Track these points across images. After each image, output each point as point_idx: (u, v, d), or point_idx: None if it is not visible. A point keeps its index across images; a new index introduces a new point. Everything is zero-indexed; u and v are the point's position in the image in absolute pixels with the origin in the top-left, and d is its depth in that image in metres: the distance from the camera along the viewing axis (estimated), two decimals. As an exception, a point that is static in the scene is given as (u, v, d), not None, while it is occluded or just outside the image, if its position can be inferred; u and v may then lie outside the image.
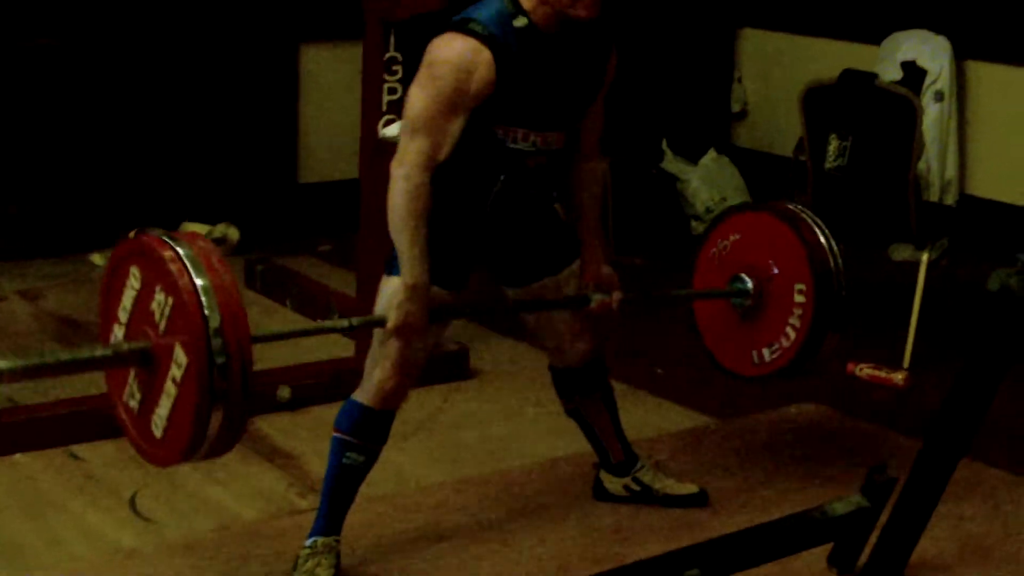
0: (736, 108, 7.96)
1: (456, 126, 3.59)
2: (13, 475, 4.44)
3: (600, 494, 4.30)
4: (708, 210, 7.19)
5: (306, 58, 7.13)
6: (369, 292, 4.45)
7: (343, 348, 5.28)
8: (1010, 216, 6.76)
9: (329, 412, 4.61)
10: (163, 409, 3.26)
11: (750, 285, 4.18)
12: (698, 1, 7.82)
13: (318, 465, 4.40)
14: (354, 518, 3.90)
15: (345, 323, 3.78)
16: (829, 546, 3.79)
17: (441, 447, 4.72)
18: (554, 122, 3.73)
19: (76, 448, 4.58)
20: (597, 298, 3.94)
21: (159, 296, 3.22)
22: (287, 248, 6.73)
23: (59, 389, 4.78)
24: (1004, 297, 3.59)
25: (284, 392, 4.89)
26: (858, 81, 5.70)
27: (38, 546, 4.04)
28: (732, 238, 4.25)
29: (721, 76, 7.94)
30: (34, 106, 6.51)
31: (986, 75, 6.93)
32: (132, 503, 4.27)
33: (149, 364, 3.28)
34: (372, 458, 3.85)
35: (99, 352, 3.34)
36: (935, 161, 6.78)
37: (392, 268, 3.67)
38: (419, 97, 3.59)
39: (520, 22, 3.61)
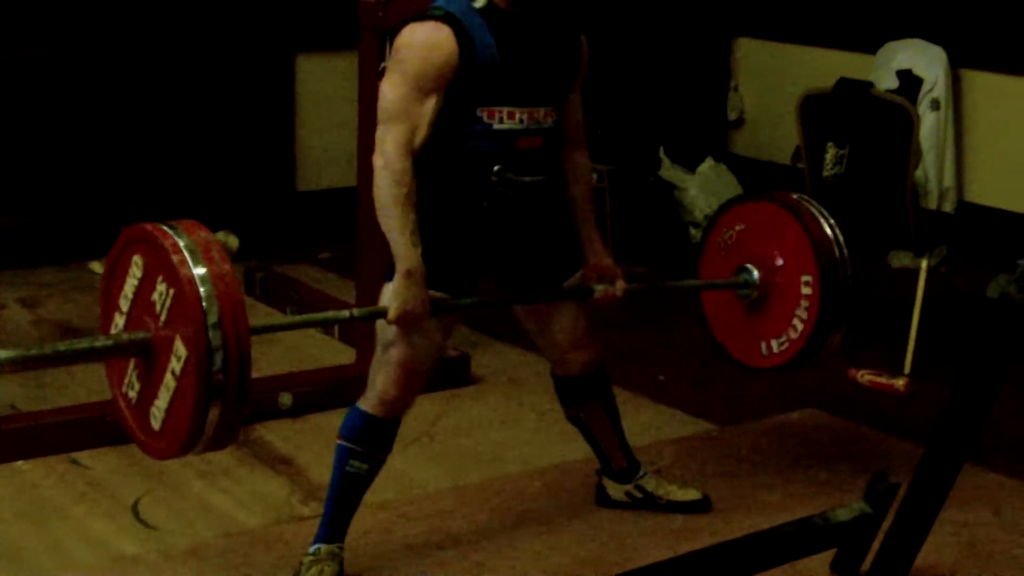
0: (733, 116, 7.97)
1: (429, 107, 3.59)
2: (15, 482, 4.43)
3: (603, 501, 4.30)
4: (706, 217, 7.19)
5: (302, 67, 7.14)
6: (368, 299, 4.46)
7: (344, 355, 5.29)
8: (1008, 223, 6.78)
9: (330, 419, 4.64)
10: (162, 401, 3.25)
11: (756, 276, 4.18)
12: (694, 10, 7.84)
13: (320, 472, 4.41)
14: (355, 524, 3.90)
15: (346, 314, 3.76)
16: (832, 552, 3.79)
17: (443, 454, 4.72)
18: (534, 95, 3.71)
19: (78, 455, 4.58)
20: (600, 289, 3.93)
21: (160, 287, 3.21)
22: (286, 256, 6.75)
23: (61, 396, 4.78)
24: (1003, 303, 3.60)
25: (285, 399, 4.90)
26: (854, 90, 5.73)
27: (40, 553, 4.04)
28: (738, 227, 4.25)
29: (717, 85, 7.95)
30: (33, 115, 6.52)
31: (981, 84, 6.94)
32: (135, 510, 4.27)
33: (148, 355, 3.27)
34: (376, 466, 3.85)
35: (99, 343, 3.32)
36: (932, 169, 6.79)
37: (391, 274, 3.67)
38: (388, 86, 3.62)
39: (480, 3, 3.64)
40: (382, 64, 4.84)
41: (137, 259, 3.29)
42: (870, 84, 6.11)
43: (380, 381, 3.78)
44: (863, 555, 3.77)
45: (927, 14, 7.04)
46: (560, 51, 3.79)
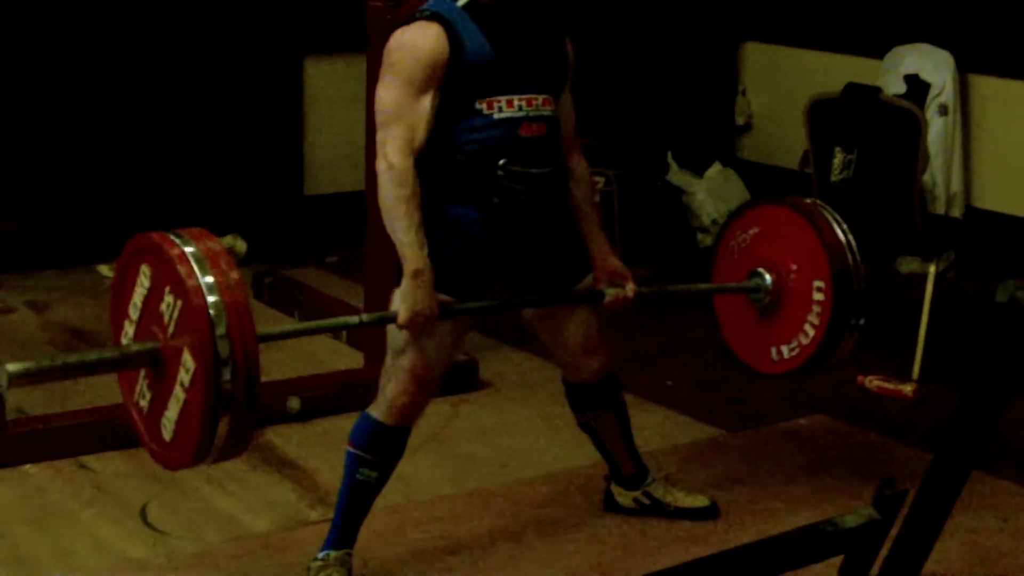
0: (740, 121, 7.97)
1: (425, 105, 3.61)
2: (23, 486, 4.44)
3: (611, 506, 4.30)
4: (714, 222, 7.20)
5: (310, 71, 7.15)
6: (376, 302, 4.47)
7: (352, 359, 5.30)
8: (1017, 228, 6.78)
9: (338, 423, 4.65)
10: (172, 412, 3.27)
11: (769, 281, 4.18)
12: (702, 15, 7.84)
13: (328, 476, 4.42)
14: (363, 529, 3.89)
15: (355, 320, 3.76)
16: (840, 558, 3.79)
17: (451, 459, 4.72)
18: (530, 83, 3.72)
19: (86, 459, 4.58)
20: (611, 292, 3.93)
21: (168, 298, 3.22)
22: (294, 260, 6.75)
23: (69, 400, 4.78)
24: (1012, 309, 3.59)
25: (294, 403, 4.90)
26: (862, 94, 5.71)
27: (47, 557, 4.04)
28: (752, 231, 4.25)
29: (725, 89, 7.95)
30: (41, 118, 6.52)
31: (989, 89, 6.94)
32: (142, 514, 4.28)
33: (158, 365, 3.28)
34: (386, 474, 3.84)
35: (107, 354, 3.34)
36: (940, 174, 6.79)
37: (400, 279, 3.67)
38: (383, 89, 3.65)
39: (462, 1, 3.68)
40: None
41: (145, 269, 3.29)
42: (878, 89, 6.09)
43: (391, 388, 3.78)
44: (871, 562, 3.76)
45: (935, 19, 7.04)
46: (547, 43, 3.80)
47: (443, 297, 3.65)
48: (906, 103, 5.75)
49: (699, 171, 7.52)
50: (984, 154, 6.97)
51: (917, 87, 6.84)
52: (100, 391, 4.75)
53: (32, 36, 6.42)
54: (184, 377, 3.20)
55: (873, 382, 5.37)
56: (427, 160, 3.64)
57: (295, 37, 7.02)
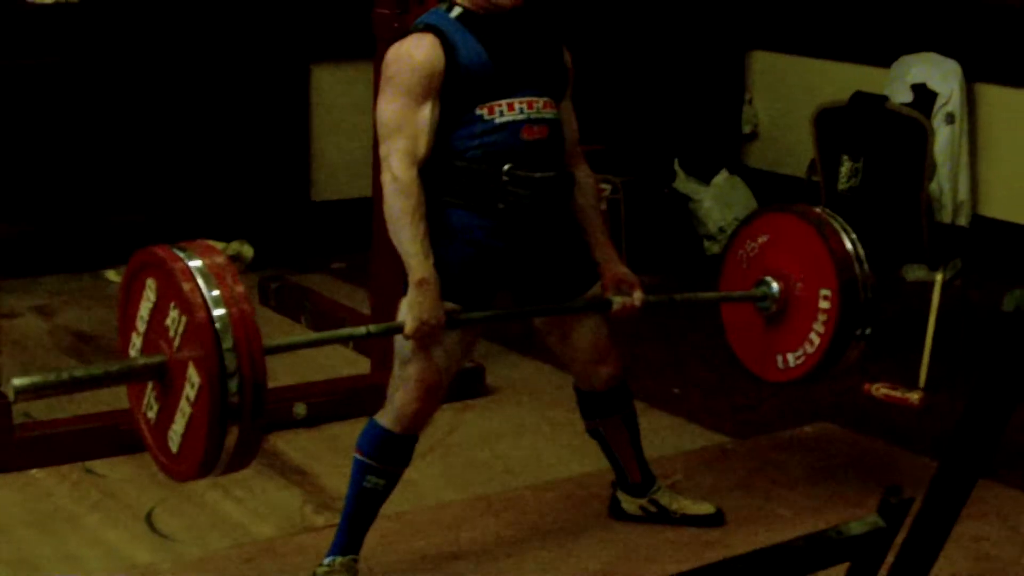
0: (747, 129, 7.97)
1: (426, 114, 3.62)
2: (29, 490, 4.45)
3: (616, 513, 4.30)
4: (720, 230, 7.20)
5: (317, 78, 7.16)
6: (383, 309, 4.47)
7: (359, 365, 5.30)
8: (1023, 237, 6.77)
9: (345, 429, 4.65)
10: (178, 426, 3.27)
11: (776, 289, 4.18)
12: (710, 23, 7.84)
13: (334, 482, 4.42)
14: (369, 535, 3.90)
15: (362, 330, 3.77)
16: (845, 566, 3.78)
17: (457, 465, 4.72)
18: (528, 86, 3.73)
19: (93, 464, 4.59)
20: (619, 300, 3.93)
21: (173, 313, 3.23)
22: (301, 266, 6.76)
23: (76, 404, 4.79)
24: (1018, 317, 3.60)
25: (300, 409, 4.90)
26: (869, 103, 5.72)
27: (54, 561, 4.04)
28: (760, 240, 4.25)
29: (732, 97, 7.95)
30: (50, 122, 6.53)
31: (996, 98, 6.94)
32: (148, 519, 4.28)
33: (164, 378, 3.29)
34: (393, 481, 3.84)
35: (114, 368, 3.34)
36: (947, 183, 6.79)
37: (407, 288, 3.67)
38: (383, 102, 3.67)
39: (456, 12, 3.70)
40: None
41: (151, 283, 3.30)
42: (885, 98, 6.09)
43: (399, 397, 3.78)
44: (876, 570, 3.76)
45: (942, 28, 7.04)
46: (543, 49, 3.81)
47: (449, 306, 3.66)
48: (913, 112, 5.75)
49: (706, 179, 7.52)
50: (991, 163, 6.97)
51: (924, 96, 6.84)
52: (106, 396, 4.74)
53: (41, 41, 6.44)
54: (190, 392, 3.21)
55: (879, 390, 5.36)
56: (430, 169, 3.65)
57: (303, 44, 7.03)
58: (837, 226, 4.17)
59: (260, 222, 6.95)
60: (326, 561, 3.83)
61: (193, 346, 3.18)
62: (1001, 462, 4.47)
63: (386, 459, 3.81)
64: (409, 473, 3.94)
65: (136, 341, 3.37)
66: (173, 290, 3.22)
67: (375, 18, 4.92)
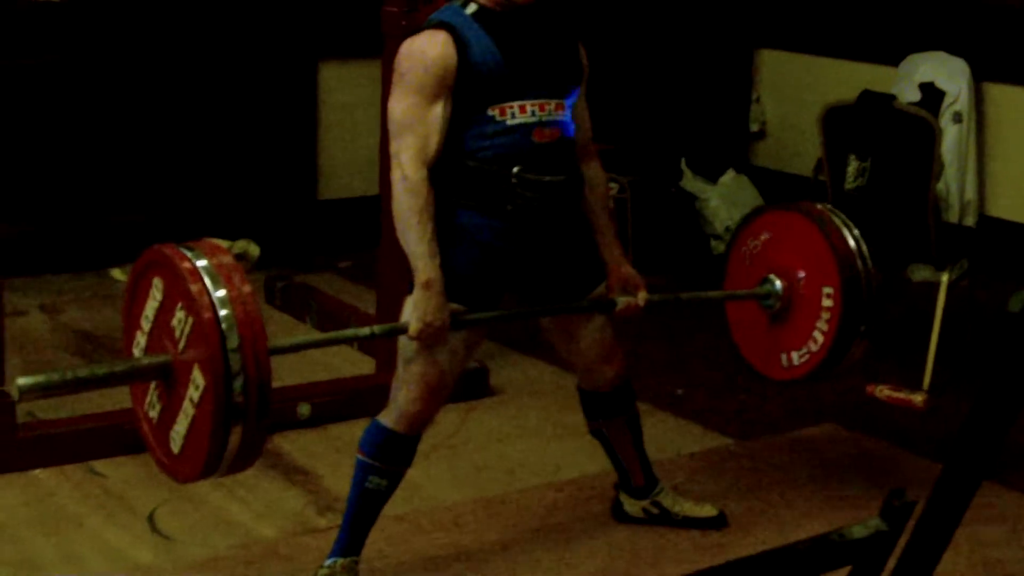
0: (754, 128, 7.96)
1: (437, 113, 3.60)
2: (32, 490, 4.44)
3: (619, 515, 4.29)
4: (727, 229, 7.19)
5: (325, 75, 7.15)
6: (389, 308, 4.47)
7: (363, 365, 5.29)
8: (1030, 237, 6.77)
9: (349, 429, 4.65)
10: (181, 427, 3.27)
11: (779, 287, 4.17)
12: (716, 22, 7.83)
13: (337, 483, 4.42)
14: (372, 536, 3.89)
15: (367, 331, 3.76)
16: (847, 569, 3.78)
17: (460, 466, 4.72)
18: (541, 88, 3.71)
19: (96, 464, 4.59)
20: (623, 300, 3.92)
21: (179, 313, 3.22)
22: (307, 265, 6.76)
23: (79, 404, 4.79)
24: (1024, 319, 3.58)
25: (304, 409, 4.90)
26: (877, 102, 5.72)
27: (56, 562, 4.04)
28: (763, 237, 4.24)
29: (739, 96, 7.94)
30: (56, 122, 6.54)
31: (1004, 97, 6.93)
32: (151, 520, 4.28)
33: (168, 378, 3.28)
34: (395, 481, 3.84)
35: (118, 368, 3.34)
36: (954, 182, 6.78)
37: (412, 287, 3.66)
38: (395, 99, 3.64)
39: (471, 9, 3.67)
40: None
41: (157, 282, 3.29)
42: (892, 97, 6.09)
43: (402, 397, 3.77)
44: (879, 573, 3.75)
45: (950, 27, 7.03)
46: (559, 48, 3.79)
47: (454, 306, 3.65)
48: (920, 111, 5.75)
49: (713, 178, 7.52)
50: (998, 162, 6.95)
51: (932, 95, 6.83)
52: (110, 395, 4.74)
53: (45, 39, 6.43)
54: (194, 393, 3.20)
55: (883, 391, 5.35)
56: (440, 167, 3.63)
57: (310, 41, 7.03)
58: (839, 222, 4.16)
59: (266, 220, 6.95)
60: (328, 562, 3.83)
61: (198, 347, 3.18)
62: (1005, 464, 4.46)
63: (389, 459, 3.80)
64: (412, 474, 3.94)
65: (140, 340, 3.37)
66: (180, 290, 3.21)
67: (383, 15, 4.92)
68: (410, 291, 3.65)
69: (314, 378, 5.15)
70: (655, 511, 4.25)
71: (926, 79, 6.89)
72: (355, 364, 5.35)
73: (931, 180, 5.57)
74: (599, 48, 3.98)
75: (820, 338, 4.12)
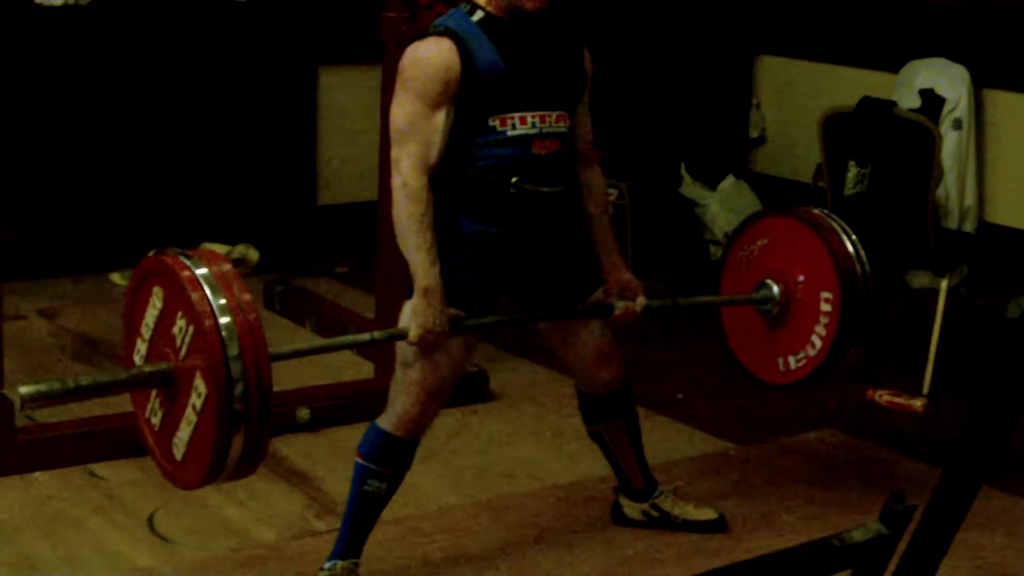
0: (754, 134, 7.96)
1: (439, 121, 3.60)
2: (32, 493, 4.44)
3: (619, 519, 4.29)
4: (726, 235, 7.18)
5: (325, 81, 7.16)
6: (388, 313, 4.47)
7: (363, 369, 5.29)
8: (1030, 244, 6.78)
9: (348, 433, 4.65)
10: (183, 434, 3.27)
11: (777, 292, 4.17)
12: (717, 28, 7.84)
13: (336, 486, 4.41)
14: (371, 540, 3.89)
15: (367, 337, 3.77)
16: (847, 573, 3.77)
17: (459, 470, 4.72)
18: (543, 99, 3.71)
19: (95, 467, 4.59)
20: (621, 305, 3.92)
21: (180, 322, 3.23)
22: (306, 269, 6.76)
23: (79, 407, 4.77)
24: (1023, 324, 3.58)
25: (303, 413, 4.90)
26: (877, 109, 5.70)
27: (56, 565, 4.04)
28: (760, 243, 4.24)
29: (739, 102, 7.94)
30: (56, 126, 6.54)
31: (1004, 103, 6.93)
32: (150, 523, 4.28)
33: (170, 386, 3.28)
34: (394, 485, 3.84)
35: (120, 376, 3.34)
36: (954, 189, 6.78)
37: (411, 292, 3.66)
38: (397, 105, 3.64)
39: (478, 16, 3.67)
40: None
41: (158, 291, 3.29)
42: (892, 103, 6.07)
43: (400, 401, 3.77)
44: (879, 577, 3.76)
45: (950, 33, 7.03)
46: (563, 57, 3.79)
47: (453, 311, 3.65)
48: (920, 117, 5.74)
49: (712, 184, 7.52)
50: (998, 169, 6.96)
51: (932, 101, 6.83)
52: (108, 399, 4.72)
53: (48, 44, 6.43)
54: (196, 401, 3.21)
55: (883, 397, 5.36)
56: (441, 174, 3.64)
57: (310, 47, 7.03)
58: (837, 227, 4.17)
59: (266, 225, 6.95)
60: (327, 565, 3.83)
61: (200, 355, 3.18)
62: (1004, 469, 4.46)
63: (387, 463, 3.80)
64: (411, 477, 3.94)
65: (141, 348, 3.37)
66: (180, 299, 3.22)
67: (383, 22, 4.92)
68: (409, 296, 3.66)
69: (313, 382, 5.14)
70: (655, 514, 4.25)
71: (926, 85, 6.89)
72: (354, 368, 5.35)
73: (931, 186, 5.56)
74: (600, 53, 3.97)
75: (818, 343, 4.13)
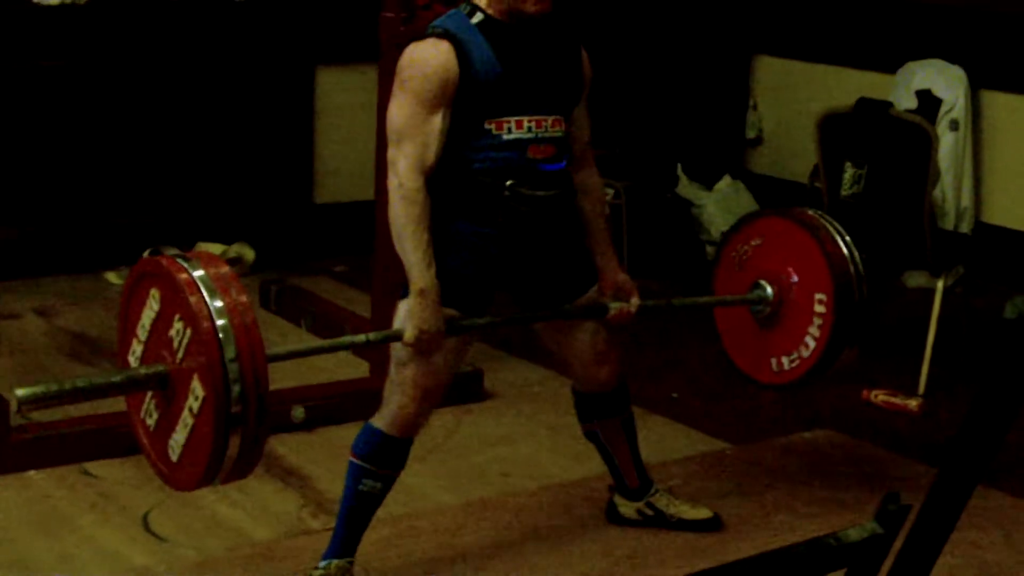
0: (751, 134, 7.96)
1: (437, 123, 3.60)
2: (27, 492, 4.44)
3: (613, 518, 4.29)
4: (723, 235, 7.19)
5: (322, 80, 7.15)
6: (384, 313, 4.45)
7: (358, 368, 5.29)
8: (1025, 244, 6.78)
9: (343, 432, 4.64)
10: (180, 436, 3.27)
11: (770, 292, 4.17)
12: (714, 28, 7.83)
13: (331, 485, 4.41)
14: (366, 539, 3.89)
15: (362, 338, 3.77)
16: (842, 572, 3.77)
17: (454, 469, 4.71)
18: (540, 104, 3.71)
19: (90, 466, 4.58)
20: (615, 306, 3.93)
21: (177, 325, 3.22)
22: (302, 268, 6.76)
23: (73, 406, 4.77)
24: (1019, 324, 3.58)
25: (298, 412, 4.89)
26: (873, 109, 5.70)
27: (50, 563, 4.03)
28: (754, 243, 4.24)
29: (736, 103, 7.94)
30: (52, 125, 6.53)
31: (1001, 104, 6.93)
32: (145, 522, 4.27)
33: (166, 388, 3.28)
34: (389, 484, 3.84)
35: (116, 378, 3.33)
36: (950, 189, 6.78)
37: (406, 291, 3.66)
38: (394, 107, 3.64)
39: (477, 18, 3.66)
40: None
41: (155, 292, 3.29)
42: (889, 104, 6.07)
43: (395, 400, 3.77)
44: (874, 576, 3.75)
45: (947, 34, 7.03)
46: (561, 60, 3.78)
47: (448, 311, 3.65)
48: (917, 118, 5.73)
49: (709, 184, 7.52)
50: (995, 170, 6.96)
51: (929, 102, 6.83)
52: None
53: (46, 43, 6.43)
54: (193, 404, 3.20)
55: (879, 397, 5.35)
56: (437, 175, 3.63)
57: (307, 46, 7.03)
58: (831, 228, 4.16)
59: (262, 224, 6.95)
60: (322, 564, 3.82)
61: (197, 358, 3.17)
62: (999, 468, 4.46)
63: (381, 462, 3.80)
64: (407, 477, 3.94)
65: (137, 349, 3.36)
66: (177, 301, 3.21)
67: (380, 21, 4.91)
68: (403, 296, 3.66)
69: (308, 381, 5.14)
70: (650, 513, 4.25)
71: (923, 86, 6.89)
72: (349, 367, 5.34)
73: (927, 187, 5.55)
74: (596, 53, 3.97)
75: (812, 344, 4.13)
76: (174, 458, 3.31)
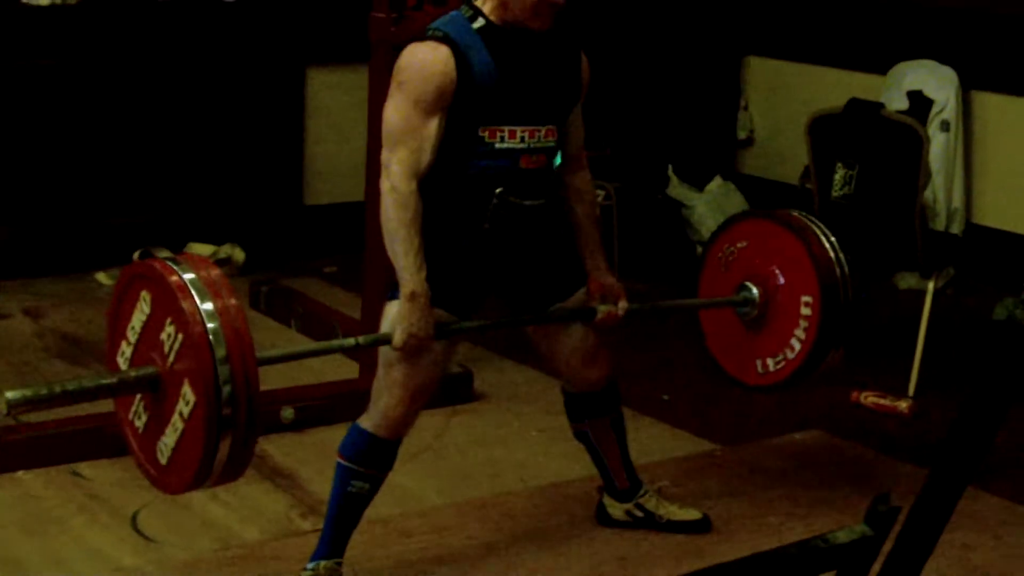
0: (742, 135, 7.96)
1: (432, 128, 3.59)
2: (15, 492, 4.43)
3: (603, 519, 4.29)
4: (713, 237, 7.19)
5: (313, 81, 7.15)
6: (374, 314, 4.44)
7: (347, 369, 5.28)
8: (1016, 245, 6.77)
9: (333, 433, 4.63)
10: (169, 439, 3.25)
11: (756, 294, 4.17)
12: (705, 29, 7.84)
13: (320, 486, 4.40)
14: (355, 540, 3.88)
15: (352, 342, 3.76)
16: (832, 574, 3.77)
17: (444, 470, 4.71)
18: (535, 114, 3.70)
19: (79, 466, 4.57)
20: (603, 309, 3.93)
21: (168, 328, 3.21)
22: (292, 269, 6.75)
23: (63, 407, 4.76)
24: (1010, 326, 3.58)
25: (288, 413, 4.89)
26: (864, 110, 5.70)
27: (39, 564, 4.02)
28: (740, 244, 4.24)
29: (727, 104, 7.95)
30: (43, 125, 6.52)
31: (992, 105, 6.94)
32: (134, 522, 4.26)
33: (156, 391, 3.27)
34: (377, 485, 3.83)
35: (106, 380, 3.32)
36: (941, 190, 6.78)
37: (394, 293, 3.65)
38: (391, 108, 3.62)
39: (479, 24, 3.65)
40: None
41: (145, 295, 3.28)
42: (880, 105, 6.07)
43: (383, 401, 3.76)
44: (863, 578, 3.75)
45: (938, 35, 7.03)
46: (560, 69, 3.78)
47: (438, 312, 3.64)
48: (908, 119, 5.73)
49: (700, 185, 7.52)
50: (985, 171, 6.96)
51: (920, 103, 6.83)
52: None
53: (35, 43, 6.42)
54: (184, 408, 3.19)
55: (868, 398, 5.35)
56: (428, 179, 3.63)
57: (298, 47, 7.02)
58: (818, 230, 4.16)
59: (252, 225, 6.94)
60: (310, 565, 3.82)
61: (188, 360, 3.17)
62: (988, 470, 4.46)
63: (369, 463, 3.79)
64: (396, 477, 3.93)
65: (126, 351, 3.35)
66: (169, 304, 3.20)
67: (371, 22, 4.91)
68: (392, 297, 3.66)
69: (297, 382, 5.13)
70: (639, 514, 4.24)
71: (914, 87, 6.89)
72: (338, 368, 5.33)
73: (918, 188, 5.55)
74: (588, 54, 3.96)
75: (797, 346, 4.13)
76: (163, 461, 3.30)
